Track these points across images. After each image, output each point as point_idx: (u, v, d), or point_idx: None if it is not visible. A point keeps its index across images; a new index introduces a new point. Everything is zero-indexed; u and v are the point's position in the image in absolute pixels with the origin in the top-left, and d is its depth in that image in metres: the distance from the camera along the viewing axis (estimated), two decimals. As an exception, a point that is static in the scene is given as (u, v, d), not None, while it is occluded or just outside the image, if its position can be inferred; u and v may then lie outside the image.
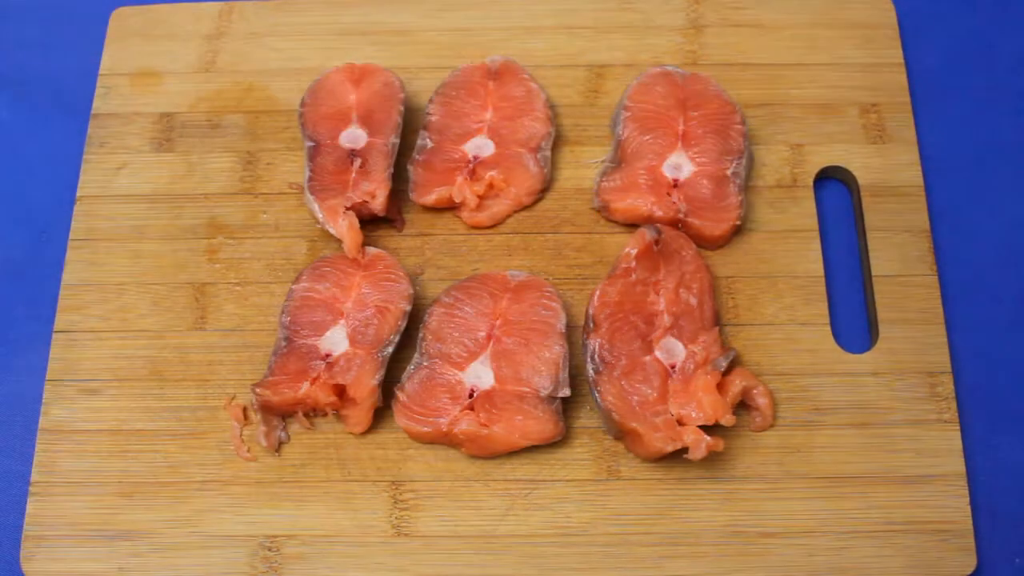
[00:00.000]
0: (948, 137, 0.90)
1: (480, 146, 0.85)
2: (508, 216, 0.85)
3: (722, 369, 0.75)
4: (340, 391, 0.75)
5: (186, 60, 0.91)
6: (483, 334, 0.77)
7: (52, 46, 0.95)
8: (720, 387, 0.74)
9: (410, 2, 0.93)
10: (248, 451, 0.77)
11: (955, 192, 0.87)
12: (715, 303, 0.79)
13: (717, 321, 0.79)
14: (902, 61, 0.90)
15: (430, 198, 0.84)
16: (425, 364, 0.76)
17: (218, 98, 0.90)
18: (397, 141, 0.83)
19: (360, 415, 0.76)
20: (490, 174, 0.83)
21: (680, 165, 0.83)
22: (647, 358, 0.76)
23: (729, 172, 0.82)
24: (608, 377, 0.74)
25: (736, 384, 0.75)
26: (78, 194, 0.86)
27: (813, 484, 0.75)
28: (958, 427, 0.77)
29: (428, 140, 0.85)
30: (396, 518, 0.75)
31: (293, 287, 0.80)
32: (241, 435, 0.78)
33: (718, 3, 0.92)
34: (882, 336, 0.80)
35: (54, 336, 0.81)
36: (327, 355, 0.77)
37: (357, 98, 0.86)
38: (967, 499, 0.75)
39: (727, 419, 0.73)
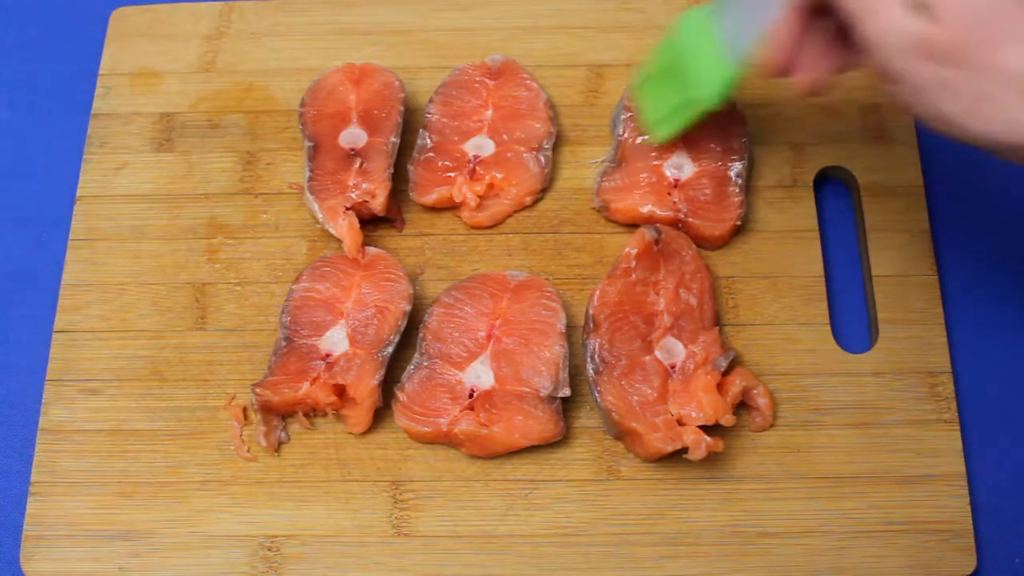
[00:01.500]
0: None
1: (480, 145, 0.85)
2: (508, 216, 0.85)
3: (722, 369, 0.75)
4: (340, 391, 0.75)
5: (186, 60, 0.91)
6: (483, 334, 0.77)
7: (52, 46, 0.95)
8: (720, 387, 0.74)
9: (410, 2, 0.93)
10: (248, 451, 0.77)
11: (955, 192, 0.87)
12: (715, 303, 0.79)
13: (717, 321, 0.79)
14: (902, 61, 0.90)
15: (430, 198, 0.84)
16: (425, 364, 0.76)
17: (218, 98, 0.90)
18: (397, 141, 0.83)
19: (360, 415, 0.76)
20: (491, 174, 0.83)
21: (681, 165, 0.83)
22: (647, 358, 0.76)
23: (730, 172, 0.82)
24: (608, 377, 0.75)
25: (736, 384, 0.75)
26: (78, 194, 0.86)
27: (813, 484, 0.75)
28: (958, 427, 0.77)
29: (428, 140, 0.86)
30: (396, 518, 0.75)
31: (293, 287, 0.80)
32: (241, 435, 0.78)
33: (718, 3, 0.92)
34: (882, 336, 0.80)
35: (54, 336, 0.81)
36: (327, 355, 0.77)
37: (357, 98, 0.86)
38: (967, 499, 0.75)
39: (727, 419, 0.73)
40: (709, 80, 0.73)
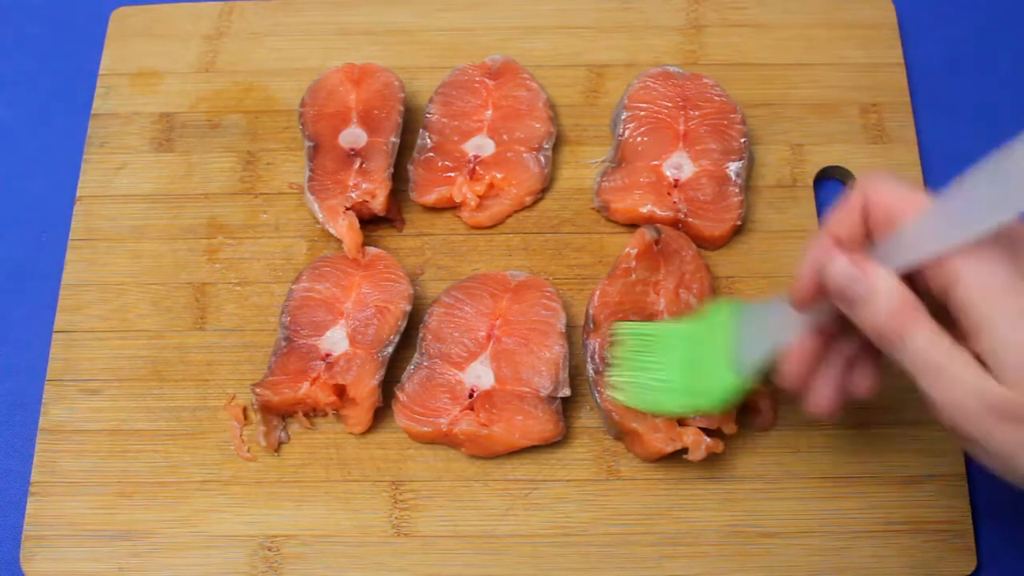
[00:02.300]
0: (948, 137, 0.90)
1: (480, 145, 0.85)
2: (508, 216, 0.85)
3: None
4: (340, 391, 0.75)
5: (186, 60, 0.91)
6: (483, 334, 0.77)
7: (52, 46, 0.95)
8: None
9: (410, 2, 0.93)
10: (248, 451, 0.77)
11: (955, 192, 0.87)
12: (715, 303, 0.79)
13: (717, 321, 0.79)
14: (902, 61, 0.90)
15: (430, 198, 0.84)
16: (425, 364, 0.76)
17: (218, 98, 0.90)
18: (397, 141, 0.84)
19: (360, 415, 0.76)
20: (491, 174, 0.83)
21: (681, 165, 0.83)
22: (647, 358, 0.76)
23: (730, 172, 0.83)
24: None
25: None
26: (78, 194, 0.86)
27: (813, 484, 0.75)
28: (958, 427, 0.77)
29: (428, 140, 0.86)
30: (396, 518, 0.75)
31: (293, 287, 0.80)
32: (241, 435, 0.78)
33: (718, 3, 0.92)
34: (882, 336, 0.80)
35: (54, 336, 0.81)
36: (327, 355, 0.77)
37: (357, 98, 0.86)
38: (967, 499, 0.75)
39: (728, 427, 0.73)
40: (713, 384, 0.68)
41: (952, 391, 0.51)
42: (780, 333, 0.62)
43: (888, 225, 0.55)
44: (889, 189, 0.56)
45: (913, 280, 0.54)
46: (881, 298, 0.53)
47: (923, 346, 0.52)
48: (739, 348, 0.67)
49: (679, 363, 0.71)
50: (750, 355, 0.65)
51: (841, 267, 0.54)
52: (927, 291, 0.54)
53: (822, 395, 0.61)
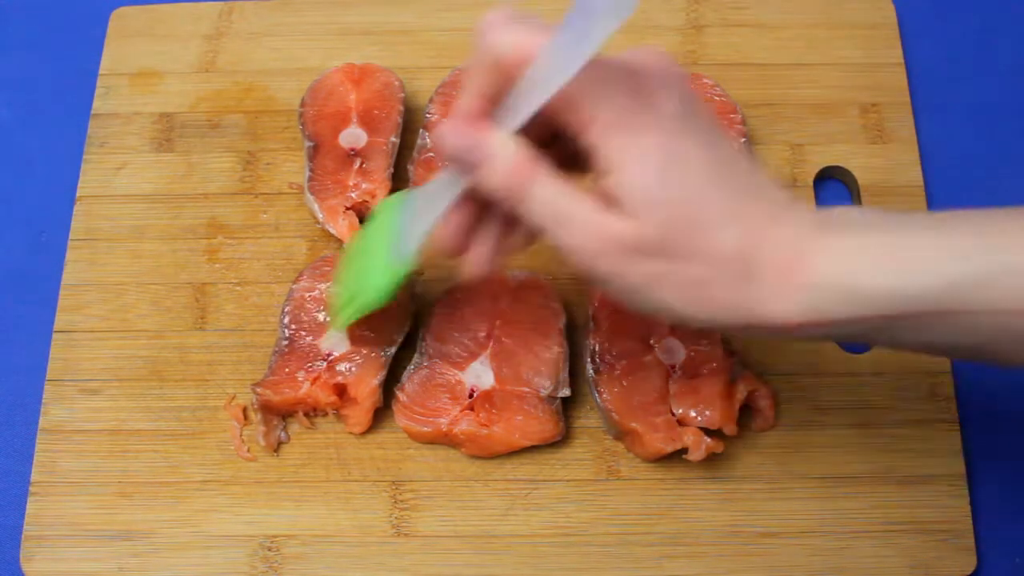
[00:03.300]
0: (948, 137, 0.90)
1: (480, 146, 0.85)
2: (508, 216, 0.85)
3: (736, 380, 0.74)
4: (341, 391, 0.75)
5: (186, 60, 0.91)
6: (483, 334, 0.77)
7: (52, 46, 0.95)
8: (726, 394, 0.74)
9: (410, 2, 0.93)
10: (248, 451, 0.77)
11: (955, 192, 0.87)
12: (715, 303, 0.79)
13: (717, 321, 0.79)
14: (902, 61, 0.90)
15: (430, 198, 0.84)
16: (425, 364, 0.76)
17: (218, 98, 0.90)
18: (397, 141, 0.84)
19: (360, 415, 0.76)
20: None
21: (680, 165, 0.83)
22: (647, 358, 0.76)
23: (729, 172, 0.82)
24: (608, 377, 0.75)
25: (741, 390, 0.75)
26: (78, 194, 0.86)
27: (813, 484, 0.75)
28: (958, 427, 0.77)
29: (428, 140, 0.86)
30: (396, 518, 0.75)
31: (293, 287, 0.80)
32: (241, 435, 0.78)
33: (718, 3, 0.92)
34: (882, 336, 0.80)
35: (54, 336, 0.81)
36: (328, 355, 0.77)
37: (357, 98, 0.86)
38: (967, 499, 0.75)
39: (729, 428, 0.73)
40: (375, 273, 0.67)
41: (583, 234, 0.51)
42: (436, 206, 0.59)
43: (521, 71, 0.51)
44: (513, 36, 0.51)
45: (560, 136, 0.54)
46: (497, 161, 0.52)
47: (547, 198, 0.52)
48: (402, 233, 0.65)
49: (352, 271, 0.71)
50: (411, 236, 0.63)
51: (452, 136, 0.53)
52: (573, 142, 0.53)
53: (478, 256, 0.60)
